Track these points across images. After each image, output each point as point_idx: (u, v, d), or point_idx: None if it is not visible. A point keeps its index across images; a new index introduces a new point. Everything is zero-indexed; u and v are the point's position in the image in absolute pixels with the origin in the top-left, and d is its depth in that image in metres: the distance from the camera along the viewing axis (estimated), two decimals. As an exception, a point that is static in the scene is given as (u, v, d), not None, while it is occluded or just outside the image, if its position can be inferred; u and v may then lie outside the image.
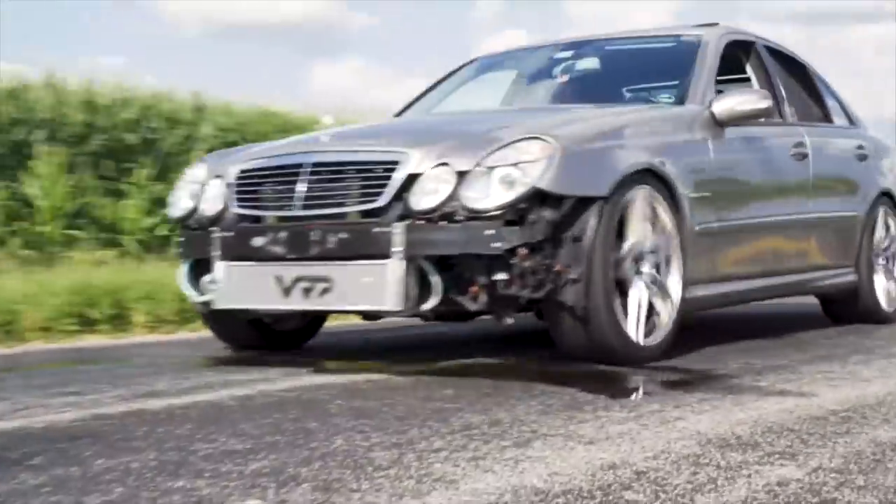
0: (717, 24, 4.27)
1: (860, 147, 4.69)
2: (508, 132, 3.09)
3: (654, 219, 3.21)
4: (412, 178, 2.94)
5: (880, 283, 4.59)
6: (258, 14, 32.16)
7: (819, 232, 4.25)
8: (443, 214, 2.88)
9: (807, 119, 4.54)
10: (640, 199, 3.15)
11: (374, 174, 3.02)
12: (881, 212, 4.65)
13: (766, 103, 3.60)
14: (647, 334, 3.16)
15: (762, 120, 3.86)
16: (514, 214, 2.86)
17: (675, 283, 3.26)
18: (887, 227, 4.71)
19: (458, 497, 1.50)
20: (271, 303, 3.10)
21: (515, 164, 2.89)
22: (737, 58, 4.24)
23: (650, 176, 3.19)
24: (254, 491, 1.56)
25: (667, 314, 3.23)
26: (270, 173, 3.28)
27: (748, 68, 4.30)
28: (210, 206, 3.34)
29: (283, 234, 3.03)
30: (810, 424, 2.16)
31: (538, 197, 2.87)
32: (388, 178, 2.96)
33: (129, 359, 3.70)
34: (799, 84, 4.67)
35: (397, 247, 2.82)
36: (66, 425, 2.25)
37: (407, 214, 2.90)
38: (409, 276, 2.83)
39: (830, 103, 4.81)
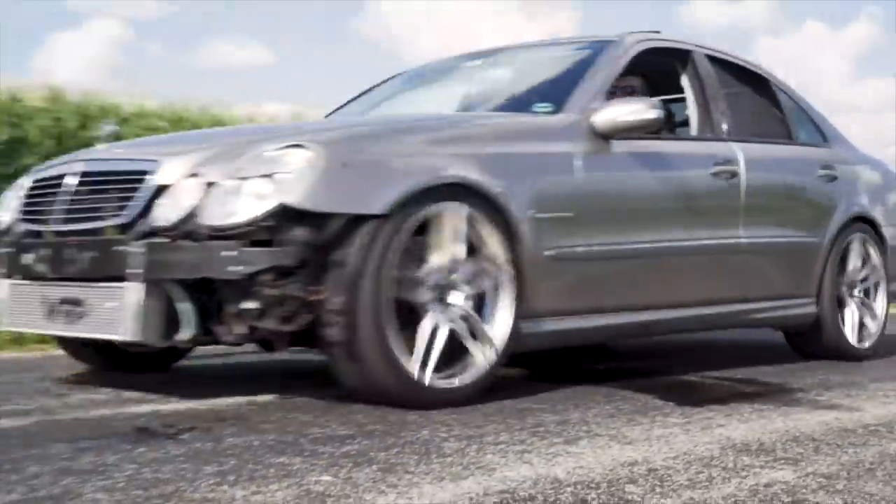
0: (657, 31, 3.97)
1: (827, 167, 4.22)
2: (279, 139, 2.73)
3: (480, 242, 2.86)
4: (161, 190, 2.67)
5: (851, 316, 4.20)
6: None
7: (758, 260, 3.85)
8: (185, 232, 2.56)
9: (759, 135, 4.14)
10: (450, 218, 2.77)
11: (126, 185, 2.76)
12: (855, 239, 4.22)
13: (653, 114, 3.19)
14: (457, 374, 2.82)
15: (669, 133, 3.75)
16: (267, 234, 2.51)
17: (502, 318, 2.88)
18: (865, 257, 4.27)
19: (487, 482, 1.90)
20: (39, 326, 2.92)
21: (270, 176, 2.53)
22: (673, 69, 3.92)
23: (468, 192, 2.80)
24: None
25: (480, 353, 2.84)
26: (46, 184, 3.05)
27: (683, 80, 3.92)
28: (6, 218, 3.13)
29: (44, 252, 2.81)
30: (835, 436, 2.44)
31: (293, 214, 2.51)
32: (137, 189, 2.71)
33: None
34: (753, 97, 4.29)
35: (135, 268, 2.51)
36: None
37: (152, 231, 2.61)
38: (149, 302, 2.53)
39: (796, 118, 4.42)
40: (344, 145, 2.74)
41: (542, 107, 3.38)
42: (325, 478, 1.92)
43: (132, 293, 2.52)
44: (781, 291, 3.98)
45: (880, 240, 4.29)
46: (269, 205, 2.48)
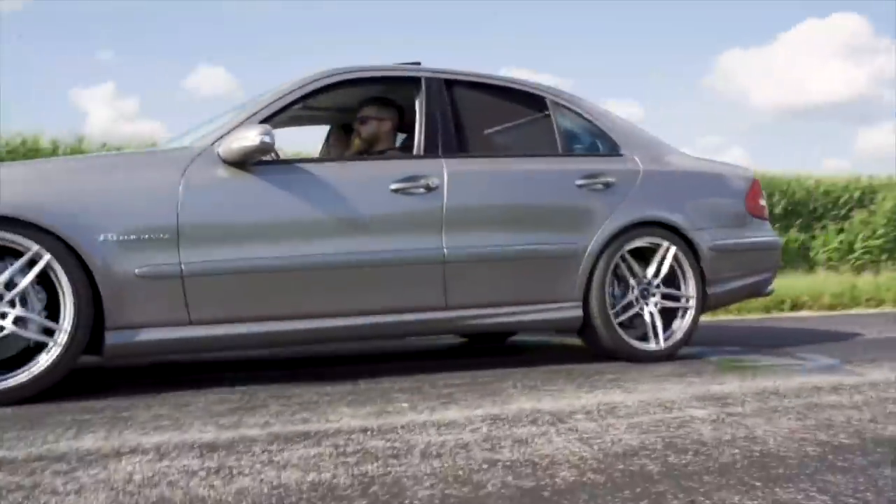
0: (417, 63, 4.01)
1: (594, 176, 4.01)
2: None
3: (58, 269, 3.00)
4: None
5: (647, 319, 4.02)
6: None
7: (475, 268, 3.70)
8: None
9: (505, 149, 4.18)
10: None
11: None
12: (647, 244, 4.05)
13: (261, 139, 3.24)
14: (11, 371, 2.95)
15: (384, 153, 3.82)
16: None
17: (66, 325, 3.00)
18: (672, 262, 4.05)
19: (500, 408, 2.49)
20: None
21: None
22: (412, 96, 3.93)
23: (11, 224, 2.94)
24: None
25: (52, 350, 2.99)
26: None
27: (416, 105, 3.89)
28: None
29: None
30: (795, 390, 2.95)
31: None
32: None
33: None
34: (502, 118, 4.20)
35: None
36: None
37: None
38: None
39: (571, 132, 4.27)
40: None
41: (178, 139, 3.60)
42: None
43: None
44: (530, 298, 3.84)
45: (689, 245, 4.10)
46: None
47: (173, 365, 4.17)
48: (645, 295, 4.04)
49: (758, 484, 1.86)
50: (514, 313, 3.82)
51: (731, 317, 7.82)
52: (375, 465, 2.04)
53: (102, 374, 3.90)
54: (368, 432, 2.41)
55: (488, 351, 4.86)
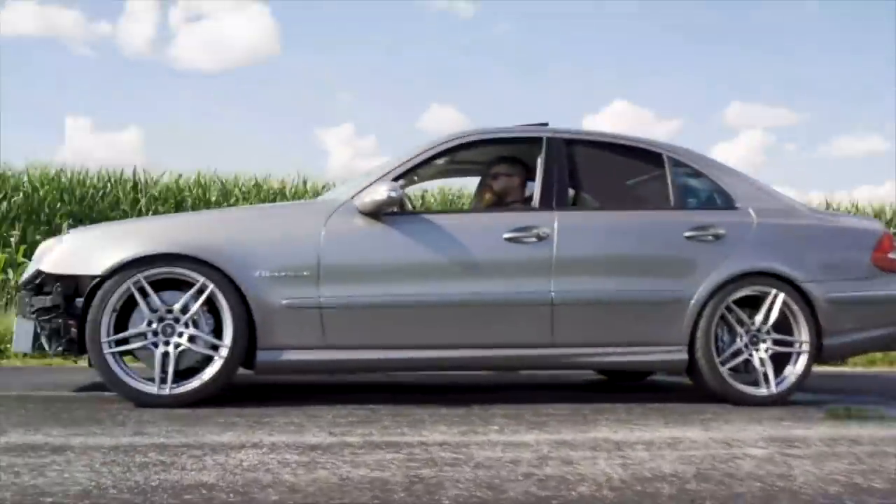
0: (545, 124, 4.36)
1: (703, 228, 4.21)
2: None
3: (222, 297, 3.66)
4: None
5: (758, 365, 4.17)
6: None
7: (575, 310, 3.99)
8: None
9: (621, 204, 4.54)
10: (145, 280, 3.64)
11: None
12: (757, 293, 4.20)
13: (389, 194, 3.78)
14: (184, 379, 3.67)
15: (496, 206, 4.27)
16: (39, 286, 3.77)
17: (227, 342, 3.65)
18: (784, 311, 4.19)
19: (574, 435, 2.89)
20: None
21: (41, 253, 3.89)
22: (533, 154, 4.28)
23: (184, 261, 3.66)
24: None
25: (216, 364, 3.67)
26: None
27: (537, 162, 4.24)
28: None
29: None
30: (877, 439, 3.15)
31: (51, 276, 3.72)
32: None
33: None
34: (620, 174, 4.61)
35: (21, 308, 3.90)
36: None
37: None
38: (36, 331, 3.75)
39: (687, 187, 4.48)
40: (82, 234, 3.97)
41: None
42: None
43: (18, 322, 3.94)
44: (634, 339, 4.11)
45: (802, 295, 4.22)
46: (33, 269, 3.86)
47: (329, 385, 4.83)
48: (755, 341, 4.20)
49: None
50: (619, 353, 4.11)
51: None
52: (432, 470, 2.50)
53: (273, 388, 4.61)
54: (445, 446, 2.87)
55: (621, 388, 5.15)
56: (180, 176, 12.81)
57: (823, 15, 23.60)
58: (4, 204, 11.09)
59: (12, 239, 10.04)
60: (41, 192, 11.49)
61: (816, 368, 4.49)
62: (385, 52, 21.46)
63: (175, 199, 12.01)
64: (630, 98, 24.92)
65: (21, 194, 11.24)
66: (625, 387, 5.21)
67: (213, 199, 12.24)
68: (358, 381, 5.04)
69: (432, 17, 20.50)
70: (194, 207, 11.84)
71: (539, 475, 2.48)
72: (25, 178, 11.99)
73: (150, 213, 11.45)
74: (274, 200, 12.54)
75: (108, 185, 12.22)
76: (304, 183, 13.98)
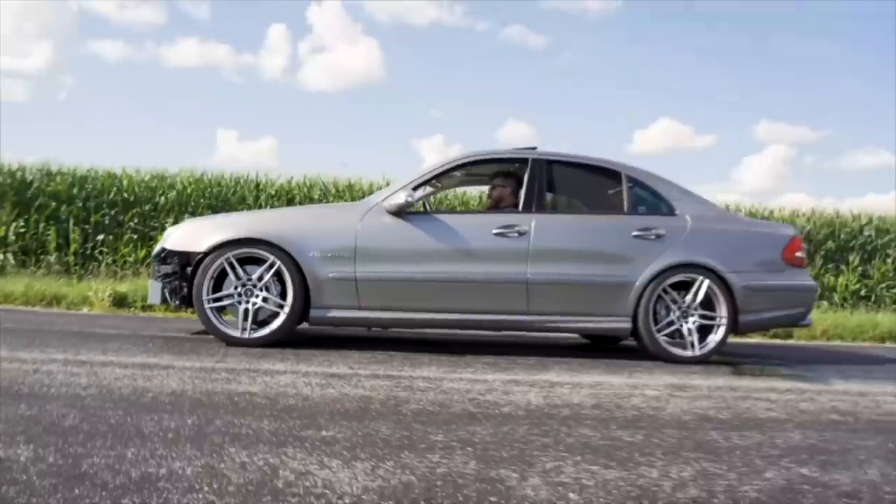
0: (533, 148, 4.76)
1: (647, 229, 4.55)
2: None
3: (286, 270, 4.20)
4: None
5: (687, 333, 4.49)
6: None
7: (550, 289, 4.40)
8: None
9: (586, 209, 5.05)
10: (234, 257, 4.21)
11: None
12: (687, 279, 4.50)
13: (405, 199, 4.32)
14: (261, 327, 4.22)
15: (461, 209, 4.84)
16: (165, 258, 4.34)
17: (288, 302, 4.20)
18: (708, 293, 4.49)
19: (518, 376, 3.22)
20: None
21: (167, 234, 4.50)
22: (522, 170, 4.70)
23: (260, 244, 4.22)
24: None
25: (281, 317, 4.22)
26: None
27: (524, 176, 4.65)
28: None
29: None
30: (753, 389, 3.40)
31: (172, 252, 4.32)
32: None
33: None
34: (587, 187, 4.99)
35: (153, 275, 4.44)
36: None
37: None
38: (162, 290, 4.34)
39: (637, 197, 4.77)
40: (196, 222, 4.57)
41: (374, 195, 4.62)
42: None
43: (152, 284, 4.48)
44: (590, 311, 4.47)
45: (723, 282, 4.51)
46: (159, 246, 4.47)
47: (367, 337, 5.34)
48: (685, 315, 4.55)
49: (546, 438, 2.55)
50: (579, 321, 4.52)
51: (854, 343, 7.57)
52: (406, 393, 2.98)
53: (329, 338, 5.15)
54: (426, 379, 3.35)
55: (598, 349, 5.51)
56: (291, 178, 13.54)
57: (839, 47, 22.91)
58: (162, 198, 11.96)
59: (167, 225, 10.90)
60: (188, 190, 12.34)
61: (776, 340, 4.76)
62: (470, 75, 22.06)
63: (287, 197, 12.71)
64: (673, 116, 24.79)
65: (174, 191, 12.10)
66: (602, 348, 5.57)
67: (316, 196, 12.91)
68: (389, 336, 5.54)
69: (509, 47, 21.06)
70: (301, 203, 12.54)
71: (480, 400, 2.93)
72: (178, 179, 12.89)
73: (268, 207, 12.20)
74: (363, 198, 13.16)
75: (238, 185, 13.04)
76: (387, 184, 14.52)
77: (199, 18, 20.96)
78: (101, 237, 10.45)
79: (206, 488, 1.74)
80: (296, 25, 22.51)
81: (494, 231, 4.46)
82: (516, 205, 4.75)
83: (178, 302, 4.33)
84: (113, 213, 10.90)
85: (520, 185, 4.84)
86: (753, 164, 24.60)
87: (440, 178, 4.71)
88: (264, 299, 4.25)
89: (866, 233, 12.92)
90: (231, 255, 4.22)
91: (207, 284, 4.22)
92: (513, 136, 21.25)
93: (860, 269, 12.29)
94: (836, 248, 12.68)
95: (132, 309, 6.72)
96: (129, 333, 4.73)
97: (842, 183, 24.61)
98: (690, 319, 4.53)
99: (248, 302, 4.22)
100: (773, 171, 24.37)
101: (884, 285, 12.05)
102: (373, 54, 21.51)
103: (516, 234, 4.46)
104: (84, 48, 20.37)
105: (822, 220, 13.23)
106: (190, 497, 1.67)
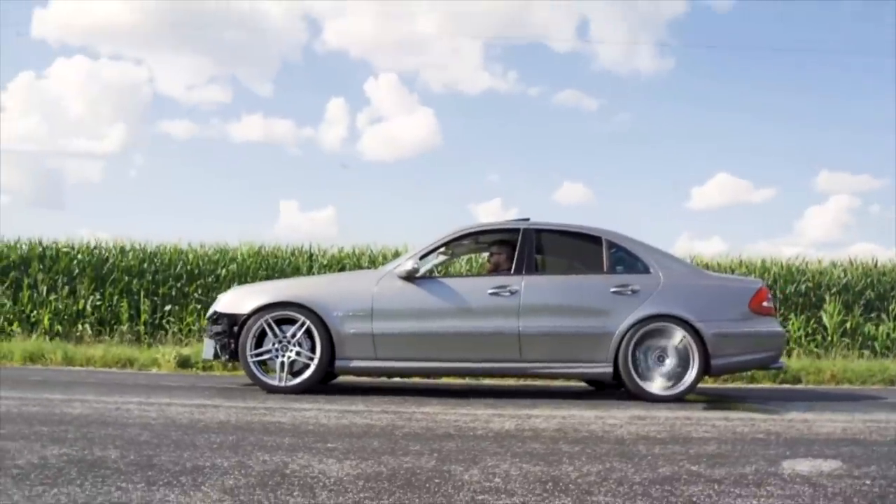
0: (526, 219, 5.46)
1: (624, 286, 5.16)
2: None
3: (315, 329, 4.98)
4: None
5: (658, 376, 5.06)
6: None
7: (539, 339, 5.04)
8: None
9: (570, 271, 5.72)
10: (272, 318, 5.01)
11: None
12: (658, 328, 5.06)
13: (411, 266, 5.12)
14: (295, 377, 4.99)
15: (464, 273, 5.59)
16: (216, 320, 5.19)
17: (317, 356, 4.95)
18: (679, 341, 5.06)
19: (503, 411, 3.93)
20: None
21: (218, 299, 5.38)
22: (515, 238, 5.35)
23: (293, 306, 5.01)
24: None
25: (311, 368, 4.98)
26: None
27: (517, 244, 5.32)
28: None
29: None
30: (702, 418, 4.01)
31: (222, 314, 5.15)
32: None
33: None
34: (576, 249, 5.63)
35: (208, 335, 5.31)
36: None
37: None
38: (214, 347, 5.17)
39: (616, 258, 5.36)
40: (237, 289, 5.59)
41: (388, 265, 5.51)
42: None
43: (207, 343, 5.37)
44: (576, 358, 5.10)
45: (694, 330, 5.05)
46: (211, 310, 5.41)
47: (389, 386, 6.08)
48: (661, 359, 5.13)
49: (500, 449, 3.24)
50: (566, 367, 5.18)
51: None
52: (406, 422, 3.73)
53: (356, 388, 5.93)
54: (424, 413, 4.08)
55: (596, 393, 6.12)
56: (342, 248, 14.61)
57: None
58: (224, 270, 13.11)
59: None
60: (248, 262, 13.49)
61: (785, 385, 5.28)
62: (526, 140, 23.18)
63: (338, 265, 13.73)
64: (730, 171, 25.15)
65: (234, 264, 13.26)
66: (606, 392, 6.17)
67: (364, 263, 13.90)
68: (416, 385, 6.27)
69: (563, 111, 22.09)
70: (349, 270, 13.56)
71: (462, 426, 3.66)
72: (238, 252, 14.10)
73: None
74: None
75: (293, 255, 14.17)
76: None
77: (262, 97, 22.84)
78: (168, 307, 11.58)
79: (237, 472, 2.54)
80: (354, 98, 24.19)
81: (489, 291, 5.17)
82: (510, 269, 5.50)
83: (227, 356, 5.18)
84: (179, 285, 12.05)
85: (514, 252, 5.47)
86: (816, 216, 24.66)
87: (447, 246, 5.53)
88: (297, 353, 5.07)
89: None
90: (269, 316, 5.07)
91: (251, 342, 5.06)
92: (570, 197, 22.08)
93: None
94: (875, 296, 12.88)
95: (194, 369, 7.63)
96: (189, 385, 5.62)
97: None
98: (667, 362, 5.12)
99: (283, 356, 5.06)
100: (838, 221, 24.33)
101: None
102: (429, 122, 22.93)
103: (508, 294, 5.14)
104: (154, 128, 22.35)
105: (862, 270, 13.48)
106: (224, 477, 2.46)
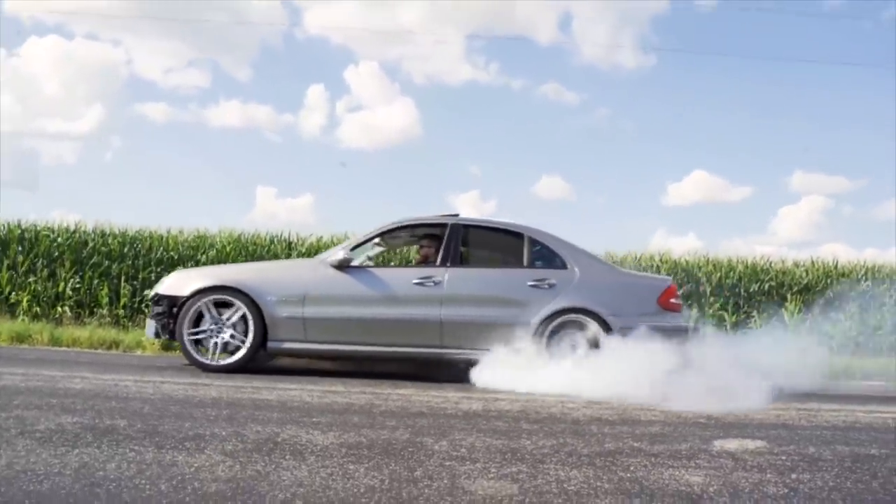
0: (456, 215, 5.82)
1: (541, 280, 5.54)
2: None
3: (249, 312, 5.35)
4: None
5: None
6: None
7: (456, 326, 5.39)
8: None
9: (490, 264, 5.96)
10: (209, 301, 5.39)
11: None
12: (568, 320, 5.40)
13: (343, 256, 5.50)
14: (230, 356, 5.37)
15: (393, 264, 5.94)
16: (158, 301, 5.54)
17: (249, 338, 5.35)
18: (592, 332, 5.36)
19: (436, 392, 4.29)
20: None
21: (160, 282, 5.76)
22: (442, 232, 5.72)
23: (230, 290, 5.38)
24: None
25: (243, 349, 5.36)
26: None
27: (443, 237, 5.70)
28: None
29: None
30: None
31: (163, 296, 5.51)
32: None
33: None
34: (499, 244, 5.93)
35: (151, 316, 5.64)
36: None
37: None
38: (155, 327, 5.51)
39: (535, 254, 5.70)
40: (182, 271, 5.91)
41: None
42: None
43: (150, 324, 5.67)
44: (492, 345, 5.30)
45: (604, 322, 5.38)
46: (154, 291, 5.79)
47: (383, 373, 6.47)
48: (573, 349, 5.40)
49: (467, 425, 3.65)
50: (482, 354, 5.34)
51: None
52: (383, 401, 4.12)
53: (345, 373, 6.30)
54: (400, 395, 4.46)
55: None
56: (321, 237, 14.93)
57: (872, 96, 23.73)
58: (203, 256, 13.38)
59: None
60: (227, 249, 13.77)
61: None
62: (506, 132, 23.52)
63: (316, 253, 14.07)
64: (707, 168, 25.69)
65: (214, 250, 13.53)
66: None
67: (342, 254, 14.25)
68: (397, 372, 6.67)
69: (544, 104, 22.42)
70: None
71: (434, 406, 4.06)
72: (218, 239, 14.37)
73: (297, 263, 13.52)
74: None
75: (272, 243, 14.47)
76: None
77: (241, 82, 22.95)
78: (147, 292, 11.85)
79: (234, 440, 2.91)
80: (334, 86, 24.37)
81: (415, 281, 5.55)
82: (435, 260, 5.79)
83: (167, 336, 5.50)
84: (159, 270, 12.31)
85: (441, 245, 5.80)
86: (790, 215, 25.21)
87: (382, 238, 5.90)
88: (231, 335, 5.44)
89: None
90: (207, 299, 5.41)
91: (188, 323, 5.42)
92: (548, 191, 22.47)
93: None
94: (834, 296, 13.51)
95: (178, 351, 7.96)
96: (178, 366, 5.96)
97: (881, 232, 25.01)
98: (578, 353, 5.37)
99: (218, 337, 5.42)
100: (811, 221, 24.95)
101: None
102: (409, 112, 23.15)
103: (432, 284, 5.53)
104: (131, 111, 22.39)
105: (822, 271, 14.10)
106: (224, 443, 2.84)
